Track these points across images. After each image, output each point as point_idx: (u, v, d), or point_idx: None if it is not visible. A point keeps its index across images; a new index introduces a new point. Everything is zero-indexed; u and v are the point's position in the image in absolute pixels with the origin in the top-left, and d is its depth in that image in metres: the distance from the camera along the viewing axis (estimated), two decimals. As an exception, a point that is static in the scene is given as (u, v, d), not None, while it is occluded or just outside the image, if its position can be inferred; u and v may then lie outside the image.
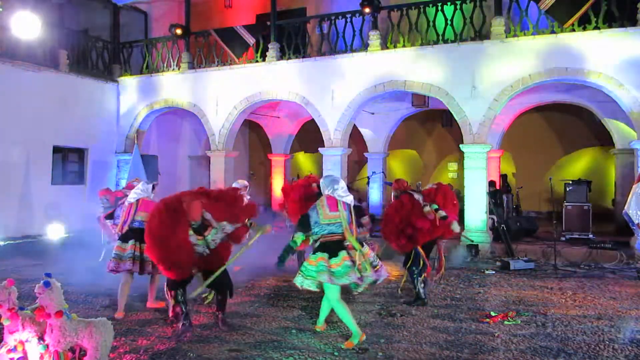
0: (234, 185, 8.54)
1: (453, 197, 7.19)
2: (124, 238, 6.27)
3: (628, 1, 9.78)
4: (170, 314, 5.51)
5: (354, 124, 12.89)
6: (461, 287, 7.75)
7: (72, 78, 13.17)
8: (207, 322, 5.94)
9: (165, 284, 5.47)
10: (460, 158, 12.61)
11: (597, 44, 9.83)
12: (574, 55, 9.96)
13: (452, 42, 11.05)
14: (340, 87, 11.86)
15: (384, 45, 11.68)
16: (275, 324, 5.85)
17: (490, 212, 10.94)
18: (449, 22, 11.15)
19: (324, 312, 5.61)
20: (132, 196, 6.41)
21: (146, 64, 14.42)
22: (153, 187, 6.62)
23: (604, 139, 14.03)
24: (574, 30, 10.00)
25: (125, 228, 6.28)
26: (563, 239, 10.87)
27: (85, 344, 3.95)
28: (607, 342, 5.16)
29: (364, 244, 5.33)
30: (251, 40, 12.99)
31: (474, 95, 10.70)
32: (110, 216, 6.70)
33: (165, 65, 14.10)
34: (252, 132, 18.99)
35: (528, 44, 10.33)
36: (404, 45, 11.44)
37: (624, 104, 9.92)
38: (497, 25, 10.61)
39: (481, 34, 10.95)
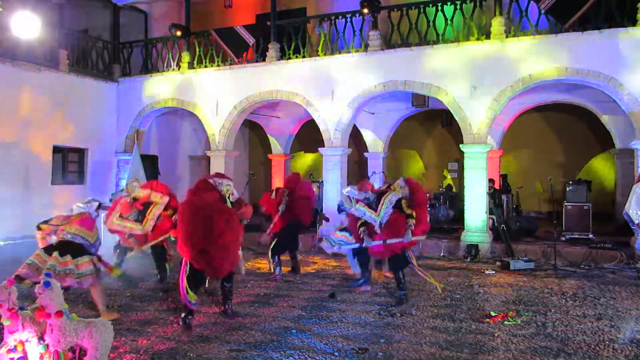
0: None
1: None
2: (48, 249, 5.86)
3: (628, 1, 9.78)
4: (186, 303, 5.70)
5: (354, 124, 12.89)
6: (461, 287, 7.75)
7: (72, 78, 13.16)
8: (207, 322, 5.95)
9: (187, 283, 5.61)
10: (460, 158, 12.61)
11: (597, 44, 9.82)
12: (574, 55, 9.95)
13: (452, 42, 11.05)
14: (340, 87, 11.86)
15: (384, 45, 11.68)
16: (275, 324, 5.85)
17: (490, 212, 10.94)
18: (449, 22, 11.15)
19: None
20: (76, 210, 6.27)
21: (146, 64, 14.42)
22: (99, 206, 6.49)
23: (604, 139, 14.03)
24: (574, 30, 10.00)
25: (53, 238, 5.96)
26: (563, 239, 10.86)
27: (85, 344, 3.95)
28: (607, 342, 5.16)
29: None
30: (251, 40, 12.98)
31: (474, 95, 10.69)
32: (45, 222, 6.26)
33: (165, 65, 14.09)
34: (252, 132, 18.99)
35: (528, 44, 10.32)
36: (404, 45, 11.44)
37: (624, 104, 9.92)
38: (497, 25, 10.61)
39: (481, 34, 10.95)
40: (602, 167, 15.35)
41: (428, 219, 7.25)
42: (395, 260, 6.94)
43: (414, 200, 6.97)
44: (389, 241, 6.68)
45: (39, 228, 6.11)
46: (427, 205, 7.55)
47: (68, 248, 5.80)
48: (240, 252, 6.27)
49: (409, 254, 7.04)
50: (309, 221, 9.22)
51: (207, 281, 6.80)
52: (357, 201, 6.96)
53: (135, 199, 7.83)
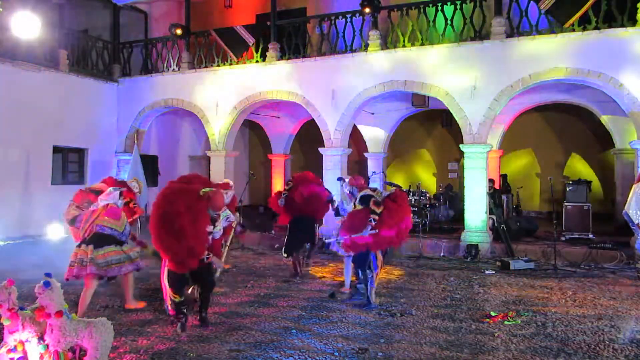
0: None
1: None
2: (80, 245, 6.10)
3: (628, 1, 9.79)
4: (172, 312, 5.73)
5: (354, 124, 12.89)
6: (461, 287, 7.75)
7: (72, 78, 13.17)
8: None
9: (167, 284, 5.58)
10: (460, 158, 12.61)
11: (597, 44, 9.83)
12: (574, 55, 9.95)
13: (452, 42, 11.05)
14: (340, 87, 11.86)
15: (384, 45, 11.68)
16: (275, 324, 5.84)
17: (490, 212, 10.93)
18: (449, 22, 11.15)
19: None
20: (100, 202, 6.34)
21: (146, 64, 14.42)
22: (120, 194, 6.52)
23: (604, 139, 14.03)
24: (573, 30, 10.00)
25: (85, 233, 6.11)
26: (563, 239, 10.86)
27: (85, 344, 3.95)
28: (607, 342, 5.16)
29: None
30: (251, 40, 12.99)
31: (474, 95, 10.69)
32: (72, 221, 6.57)
33: (165, 65, 14.10)
34: (252, 132, 19.00)
35: (528, 44, 10.32)
36: (404, 45, 11.45)
37: (624, 104, 9.92)
38: (497, 25, 10.61)
39: (481, 34, 10.95)
40: (602, 167, 15.35)
41: (399, 231, 6.55)
42: (357, 258, 6.60)
43: (391, 209, 6.49)
44: (353, 236, 6.37)
45: (71, 223, 6.48)
46: (405, 220, 6.68)
47: (100, 240, 6.04)
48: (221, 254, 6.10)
49: (375, 257, 6.57)
50: (321, 215, 8.96)
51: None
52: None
53: (91, 191, 7.72)
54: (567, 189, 11.45)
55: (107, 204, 6.26)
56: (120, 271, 6.16)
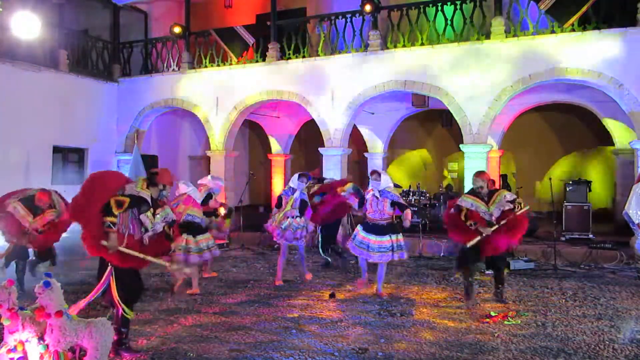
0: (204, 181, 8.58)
1: None
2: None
3: (628, 1, 9.79)
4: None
5: (354, 124, 12.89)
6: (461, 287, 7.73)
7: (72, 78, 13.17)
8: (207, 322, 5.95)
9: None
10: (460, 158, 12.61)
11: (597, 44, 9.83)
12: (574, 55, 9.96)
13: (452, 42, 11.05)
14: (340, 87, 11.86)
15: (384, 45, 11.69)
16: (275, 324, 5.84)
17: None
18: (449, 22, 11.16)
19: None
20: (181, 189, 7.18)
21: (146, 64, 14.42)
22: None
23: (604, 139, 14.03)
24: (574, 30, 10.01)
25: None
26: (563, 239, 10.85)
27: (85, 344, 3.95)
28: (607, 342, 5.16)
29: None
30: (251, 40, 13.00)
31: (473, 95, 10.70)
32: None
33: (165, 65, 14.10)
34: (252, 132, 18.99)
35: (528, 44, 10.33)
36: (403, 45, 11.45)
37: (624, 104, 9.92)
38: (497, 25, 10.62)
39: (481, 34, 10.96)
40: (602, 167, 15.35)
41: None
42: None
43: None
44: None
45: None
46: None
47: (194, 228, 7.00)
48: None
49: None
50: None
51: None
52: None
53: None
54: (567, 189, 11.44)
55: (185, 194, 7.13)
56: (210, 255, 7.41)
